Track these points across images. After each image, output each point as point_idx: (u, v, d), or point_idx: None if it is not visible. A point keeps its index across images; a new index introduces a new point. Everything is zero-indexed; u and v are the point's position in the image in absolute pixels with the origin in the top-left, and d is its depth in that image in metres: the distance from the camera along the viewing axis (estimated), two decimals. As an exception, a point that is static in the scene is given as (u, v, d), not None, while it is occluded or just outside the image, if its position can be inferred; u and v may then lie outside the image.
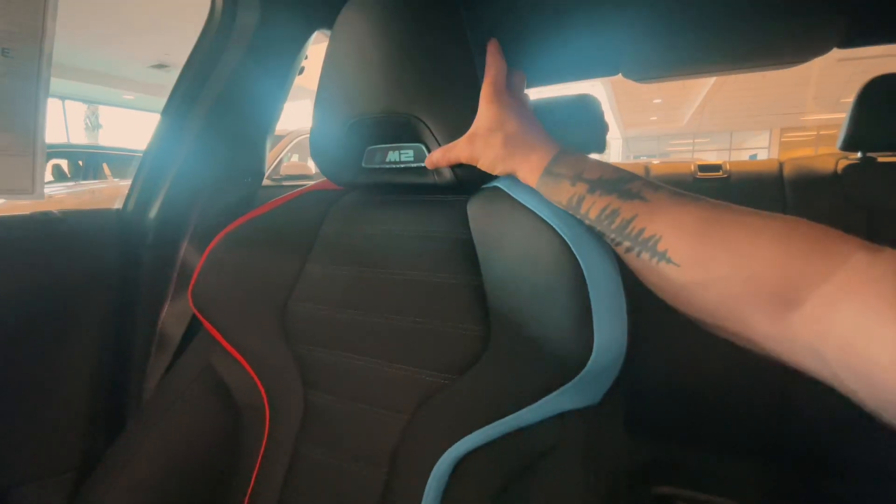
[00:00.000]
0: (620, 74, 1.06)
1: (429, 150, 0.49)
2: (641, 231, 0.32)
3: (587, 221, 0.37)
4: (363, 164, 0.52)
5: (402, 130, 0.49)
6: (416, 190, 0.53)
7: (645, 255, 0.32)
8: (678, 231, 0.30)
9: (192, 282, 0.54)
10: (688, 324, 0.36)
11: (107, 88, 7.90)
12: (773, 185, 0.98)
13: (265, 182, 0.70)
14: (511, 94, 0.45)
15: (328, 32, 0.74)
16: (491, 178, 0.48)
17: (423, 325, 0.45)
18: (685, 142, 15.39)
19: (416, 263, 0.48)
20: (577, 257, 0.36)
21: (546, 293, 0.38)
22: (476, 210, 0.47)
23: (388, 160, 0.52)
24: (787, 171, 0.99)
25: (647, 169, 1.11)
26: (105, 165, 4.94)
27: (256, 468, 0.50)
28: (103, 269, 0.57)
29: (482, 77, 0.46)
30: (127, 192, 0.62)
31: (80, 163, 4.82)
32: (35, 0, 0.48)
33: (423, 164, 0.49)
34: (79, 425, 0.58)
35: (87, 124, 9.00)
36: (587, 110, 1.08)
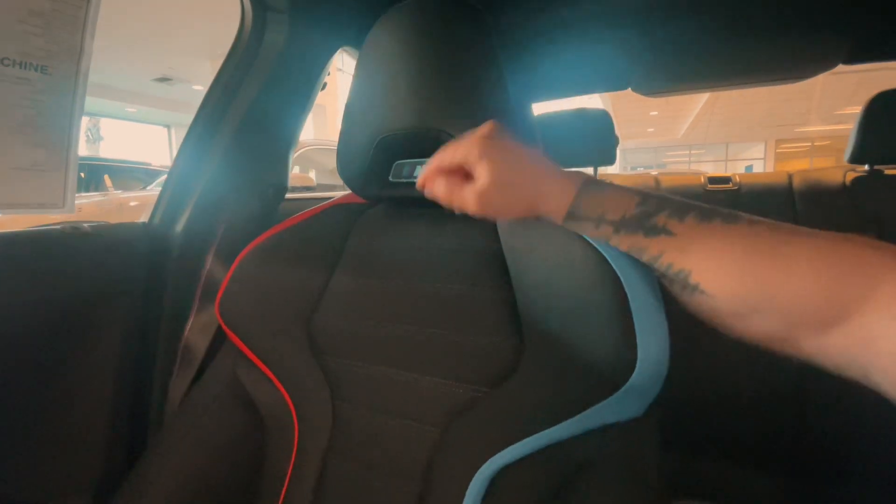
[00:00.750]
0: (630, 88, 1.08)
1: None
2: (670, 266, 0.32)
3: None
4: (390, 178, 0.53)
5: (431, 145, 0.50)
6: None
7: (677, 287, 0.33)
8: (709, 265, 0.30)
9: (220, 294, 0.55)
10: (703, 334, 0.37)
11: (109, 101, 7.95)
12: (784, 197, 0.99)
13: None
14: (508, 137, 0.40)
15: (350, 50, 0.76)
16: None
17: (455, 337, 0.46)
18: (681, 153, 15.52)
19: (445, 276, 0.49)
20: (617, 271, 0.37)
21: (586, 307, 0.38)
22: (506, 222, 0.47)
23: (415, 174, 0.52)
24: (796, 183, 1.00)
25: (657, 181, 1.12)
26: (106, 177, 4.96)
27: (286, 484, 0.49)
28: (129, 281, 0.58)
29: (510, 92, 0.47)
30: (154, 204, 0.62)
31: (82, 175, 4.83)
32: (75, 20, 0.49)
33: None
34: (101, 440, 0.58)
35: (88, 136, 9.02)
36: (597, 124, 1.10)
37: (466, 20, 0.48)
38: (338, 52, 0.71)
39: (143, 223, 0.62)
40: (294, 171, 3.63)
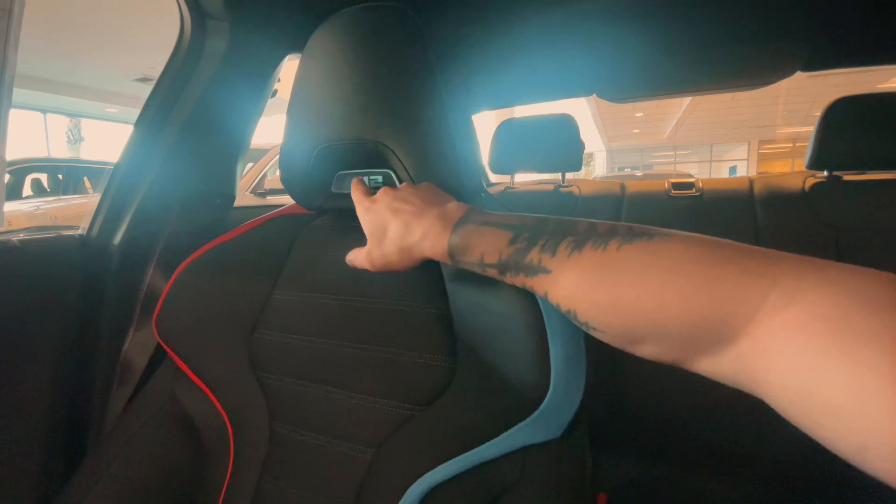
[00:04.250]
0: (595, 95, 1.08)
1: (398, 177, 0.49)
2: (558, 305, 0.30)
3: None
4: (333, 189, 0.52)
5: (372, 156, 0.49)
6: None
7: (575, 323, 0.31)
8: (586, 302, 0.28)
9: (157, 309, 0.53)
10: None
11: (90, 102, 7.82)
12: (745, 203, 1.00)
13: (243, 202, 0.69)
14: (395, 191, 0.42)
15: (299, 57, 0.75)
16: None
17: (391, 355, 0.45)
18: (667, 154, 15.69)
19: (383, 291, 0.48)
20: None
21: (504, 326, 0.38)
22: None
23: None
24: (757, 189, 1.01)
25: (623, 187, 1.12)
26: (86, 179, 4.87)
27: (220, 503, 0.48)
28: (64, 296, 0.56)
29: (448, 105, 0.46)
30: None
31: (60, 176, 4.74)
32: (-5, 29, 0.47)
33: None
34: (37, 458, 0.56)
35: (69, 137, 8.87)
36: (564, 130, 1.10)
37: (404, 30, 0.47)
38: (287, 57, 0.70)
39: (79, 234, 0.60)
40: (277, 173, 3.60)
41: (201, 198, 0.65)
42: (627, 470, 1.02)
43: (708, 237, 0.26)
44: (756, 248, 0.24)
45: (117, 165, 0.60)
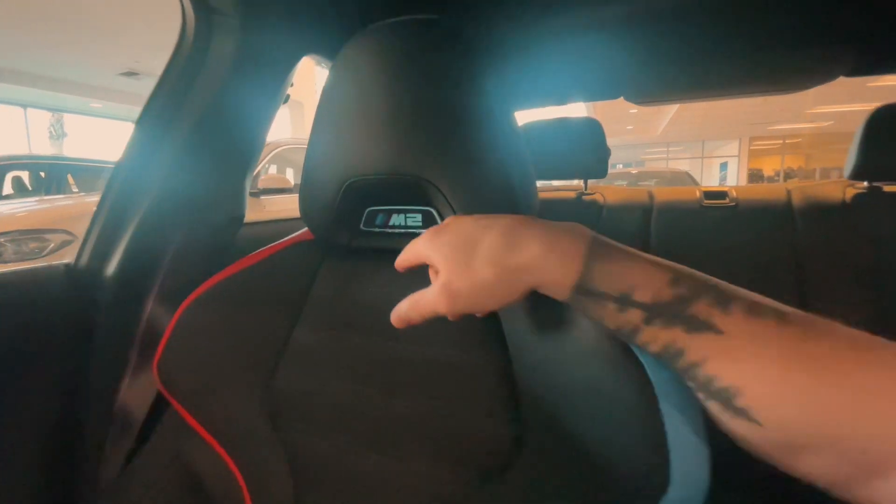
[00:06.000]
0: (622, 97, 1.02)
1: (441, 217, 0.43)
2: (712, 379, 0.23)
3: (644, 349, 0.27)
4: (362, 227, 0.46)
5: (411, 192, 0.42)
6: None
7: (715, 406, 0.24)
8: (765, 385, 0.22)
9: (158, 352, 0.46)
10: None
11: (73, 97, 7.60)
12: (783, 213, 0.95)
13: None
14: (465, 220, 0.32)
15: (317, 58, 0.67)
16: None
17: (441, 414, 0.38)
18: (660, 150, 15.74)
19: (431, 337, 0.41)
20: (642, 361, 0.30)
21: (596, 393, 0.31)
22: None
23: (391, 223, 0.45)
24: (795, 199, 0.96)
25: (651, 195, 1.06)
26: (70, 177, 4.71)
27: None
28: (46, 339, 0.48)
29: (502, 132, 0.40)
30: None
31: (42, 174, 4.59)
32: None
33: None
34: None
35: (51, 133, 8.64)
36: (589, 134, 1.03)
37: (452, 46, 0.40)
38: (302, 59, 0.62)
39: (66, 264, 0.51)
40: (271, 171, 3.49)
41: (208, 218, 0.57)
42: None
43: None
44: None
45: (109, 185, 0.52)
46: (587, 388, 0.32)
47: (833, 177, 13.09)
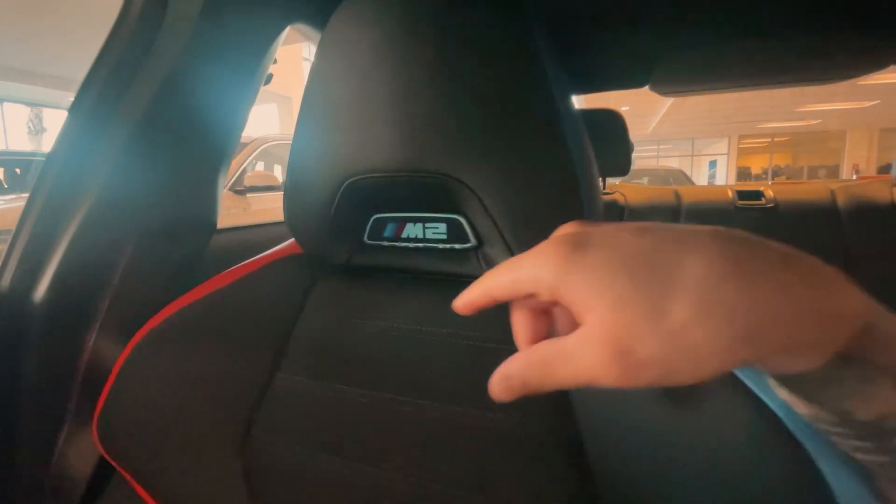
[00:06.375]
0: (647, 87, 0.93)
1: (474, 227, 0.33)
2: None
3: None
4: (365, 239, 0.37)
5: (432, 195, 0.32)
6: (448, 275, 0.36)
7: None
8: None
9: (99, 405, 0.35)
10: None
11: (52, 90, 7.34)
12: (828, 215, 0.86)
13: (222, 204, 0.50)
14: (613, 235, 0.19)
15: (305, 28, 0.55)
16: None
17: (474, 496, 0.28)
18: (650, 148, 15.79)
19: (456, 388, 0.31)
20: (797, 437, 0.20)
21: (739, 493, 0.21)
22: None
23: (404, 235, 0.36)
24: (841, 200, 0.88)
25: (677, 195, 0.97)
26: (48, 174, 4.53)
27: None
28: None
29: (565, 121, 0.30)
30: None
31: (18, 171, 4.45)
32: None
33: (462, 246, 0.32)
34: None
35: (30, 128, 8.37)
36: (610, 128, 0.93)
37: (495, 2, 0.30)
38: (287, 30, 0.51)
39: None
40: (258, 168, 3.36)
41: (168, 228, 0.45)
42: None
43: None
44: None
45: (38, 187, 0.41)
46: (713, 480, 0.22)
47: (820, 175, 13.22)
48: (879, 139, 12.20)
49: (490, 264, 0.33)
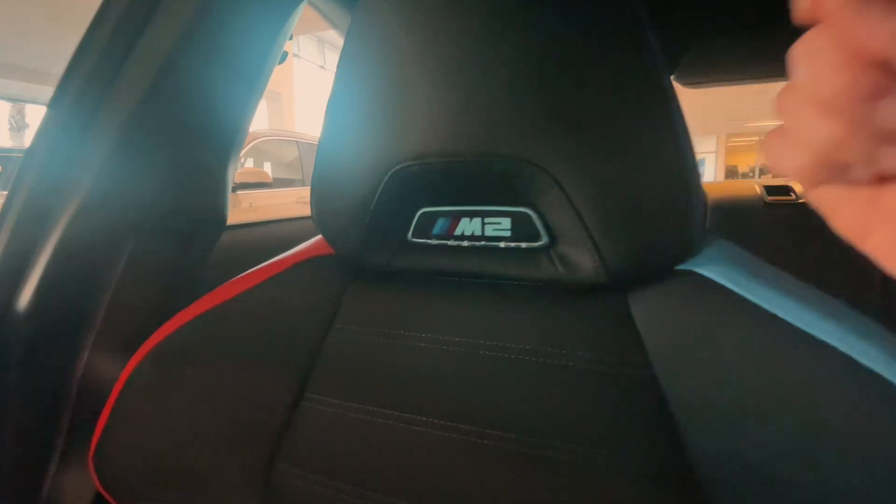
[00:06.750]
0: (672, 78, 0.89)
1: (546, 221, 0.28)
2: None
3: None
4: (410, 237, 0.32)
5: (493, 184, 0.28)
6: (508, 278, 0.31)
7: None
8: None
9: (96, 436, 0.30)
10: None
11: (34, 85, 7.15)
12: None
13: None
14: None
15: (325, 4, 0.50)
16: (667, 258, 0.27)
17: None
18: (640, 146, 15.93)
19: (527, 415, 0.26)
20: None
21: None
22: (663, 316, 0.26)
23: (457, 233, 0.31)
24: None
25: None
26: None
27: None
28: None
29: (669, 93, 0.26)
30: None
31: (0, 168, 4.33)
32: None
33: (531, 244, 0.28)
34: None
35: (11, 125, 8.18)
36: None
37: None
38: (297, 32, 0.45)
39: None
40: (248, 164, 3.28)
41: (170, 226, 0.40)
42: None
43: None
44: None
45: (17, 185, 0.35)
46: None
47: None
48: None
49: (567, 265, 0.28)
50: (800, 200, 0.88)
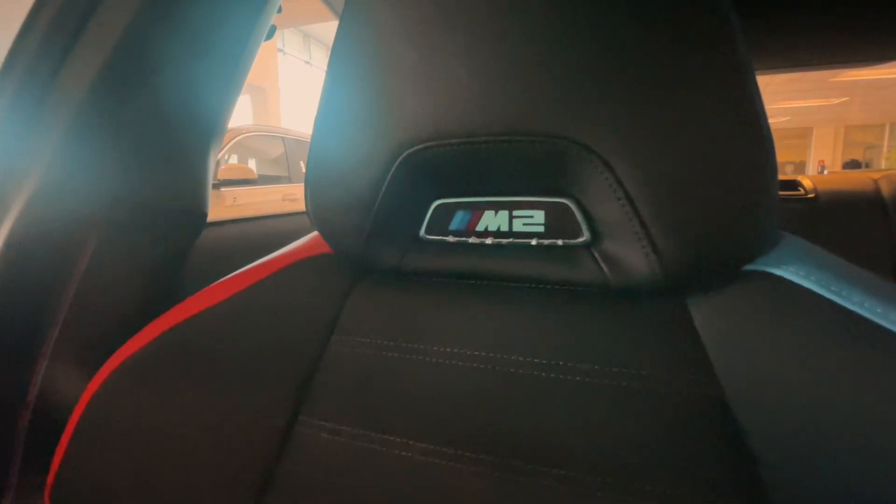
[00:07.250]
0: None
1: (586, 214, 0.24)
2: None
3: None
4: (422, 234, 0.28)
5: (525, 170, 0.24)
6: (540, 282, 0.27)
7: None
8: None
9: (53, 469, 0.25)
10: None
11: None
12: (872, 205, 0.82)
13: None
14: None
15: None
16: (732, 259, 0.23)
17: None
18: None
19: (569, 444, 0.22)
20: None
21: None
22: (737, 326, 0.22)
23: (479, 228, 0.26)
24: (886, 189, 0.83)
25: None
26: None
27: None
28: None
29: (748, 72, 0.22)
30: None
31: None
32: None
33: (570, 242, 0.24)
34: None
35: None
36: None
37: None
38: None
39: None
40: (232, 161, 3.19)
41: (141, 218, 0.35)
42: None
43: None
44: None
45: None
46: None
47: (787, 170, 13.67)
48: (844, 135, 12.66)
49: (614, 266, 0.24)
50: (808, 195, 0.87)
